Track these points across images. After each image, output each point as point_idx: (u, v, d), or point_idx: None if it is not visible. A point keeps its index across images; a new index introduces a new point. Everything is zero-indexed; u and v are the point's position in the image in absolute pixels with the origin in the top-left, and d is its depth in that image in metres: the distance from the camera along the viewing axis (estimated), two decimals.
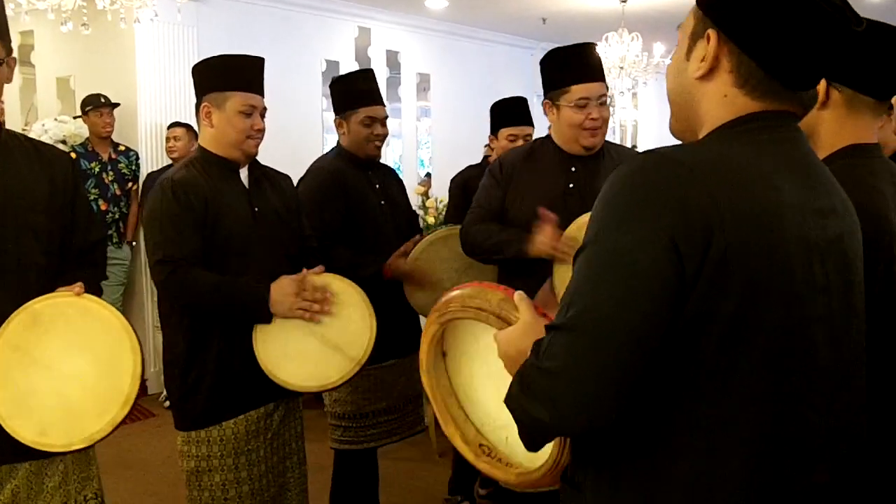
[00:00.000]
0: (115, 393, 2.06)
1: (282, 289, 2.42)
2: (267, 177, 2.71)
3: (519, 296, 1.35)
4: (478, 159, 5.13)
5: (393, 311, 3.01)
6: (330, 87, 3.30)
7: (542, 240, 2.49)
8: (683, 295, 1.05)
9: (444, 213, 5.11)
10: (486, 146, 5.70)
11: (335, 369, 2.50)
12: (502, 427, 1.57)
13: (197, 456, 2.49)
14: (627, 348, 1.06)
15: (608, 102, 2.70)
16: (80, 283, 2.11)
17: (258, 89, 2.58)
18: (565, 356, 1.08)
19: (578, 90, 2.65)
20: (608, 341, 1.06)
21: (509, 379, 1.26)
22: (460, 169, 4.43)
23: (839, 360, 1.19)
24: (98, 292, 2.27)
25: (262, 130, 2.58)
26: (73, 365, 2.06)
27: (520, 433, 1.20)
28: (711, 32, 1.19)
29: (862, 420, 1.28)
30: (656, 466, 1.14)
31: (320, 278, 2.52)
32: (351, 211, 3.05)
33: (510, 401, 1.17)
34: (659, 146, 1.30)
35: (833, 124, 1.62)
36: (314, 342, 2.49)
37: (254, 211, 2.56)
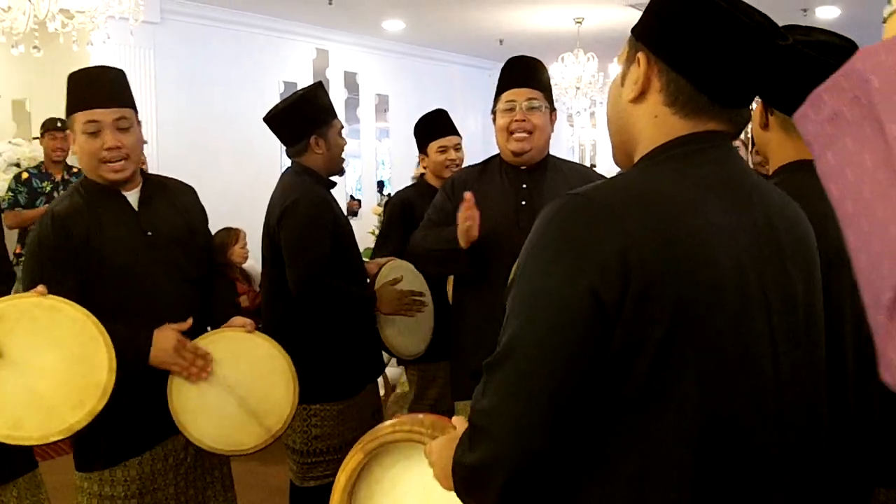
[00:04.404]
0: (92, 385, 2.02)
1: (162, 341, 2.22)
2: (165, 193, 2.45)
3: (458, 417, 1.40)
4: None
5: (359, 339, 2.97)
6: (293, 106, 3.04)
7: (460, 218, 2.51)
8: (606, 330, 1.07)
9: None
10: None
11: (250, 437, 2.35)
12: None
13: (100, 495, 2.30)
14: (554, 383, 1.08)
15: (543, 111, 2.68)
16: (42, 285, 2.06)
17: (106, 101, 2.24)
18: (498, 393, 1.12)
19: (506, 95, 2.69)
20: (535, 376, 1.09)
21: None
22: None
23: (789, 375, 1.20)
24: None
25: (115, 149, 2.23)
26: (43, 360, 2.02)
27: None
28: (641, 55, 1.22)
29: (820, 433, 1.28)
30: (597, 493, 1.15)
31: (248, 337, 2.38)
32: (335, 236, 2.92)
33: (454, 475, 1.19)
34: (616, 168, 1.33)
35: (776, 144, 1.72)
36: (232, 404, 2.34)
37: (145, 235, 2.32)
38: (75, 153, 2.31)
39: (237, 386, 2.34)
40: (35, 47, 4.08)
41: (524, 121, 2.64)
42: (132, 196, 2.35)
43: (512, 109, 2.66)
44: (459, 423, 1.37)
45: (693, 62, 1.18)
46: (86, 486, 2.33)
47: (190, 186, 2.55)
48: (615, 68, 8.54)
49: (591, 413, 1.11)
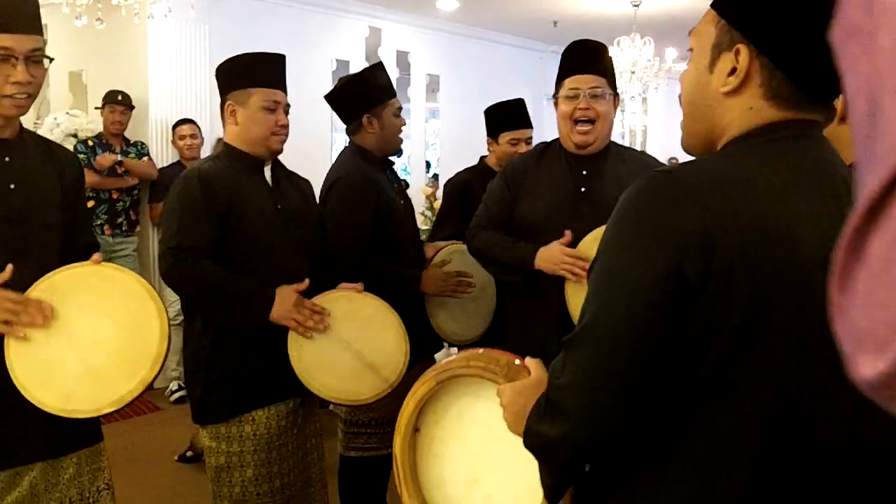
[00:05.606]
0: (143, 354, 2.06)
1: (282, 297, 2.42)
2: (289, 178, 2.72)
3: (531, 359, 1.41)
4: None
5: (411, 317, 3.00)
6: (347, 87, 3.18)
7: (548, 257, 2.50)
8: (688, 310, 1.06)
9: None
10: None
11: (368, 387, 2.52)
12: None
13: (228, 451, 2.49)
14: (631, 365, 1.08)
15: (607, 98, 2.63)
16: (98, 254, 2.13)
17: (281, 85, 2.60)
18: (574, 370, 1.12)
19: (570, 81, 2.63)
20: (610, 354, 1.09)
21: (485, 460, 1.42)
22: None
23: None
24: None
25: (286, 126, 2.59)
26: (96, 330, 2.06)
27: (540, 472, 1.24)
28: (742, 47, 1.16)
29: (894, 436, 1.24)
30: (656, 481, 1.14)
31: (359, 297, 2.55)
32: (380, 214, 2.98)
33: (527, 437, 1.20)
34: (666, 154, 1.30)
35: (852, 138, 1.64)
36: (349, 357, 2.51)
37: (277, 208, 2.57)
38: (236, 124, 2.56)
39: (353, 341, 2.52)
40: (98, 19, 4.13)
41: (588, 109, 2.59)
42: (266, 173, 2.60)
43: (575, 97, 2.60)
44: (534, 366, 1.38)
45: (801, 62, 1.14)
46: (214, 446, 2.51)
47: (307, 180, 2.86)
48: (671, 53, 8.45)
49: (665, 395, 1.11)
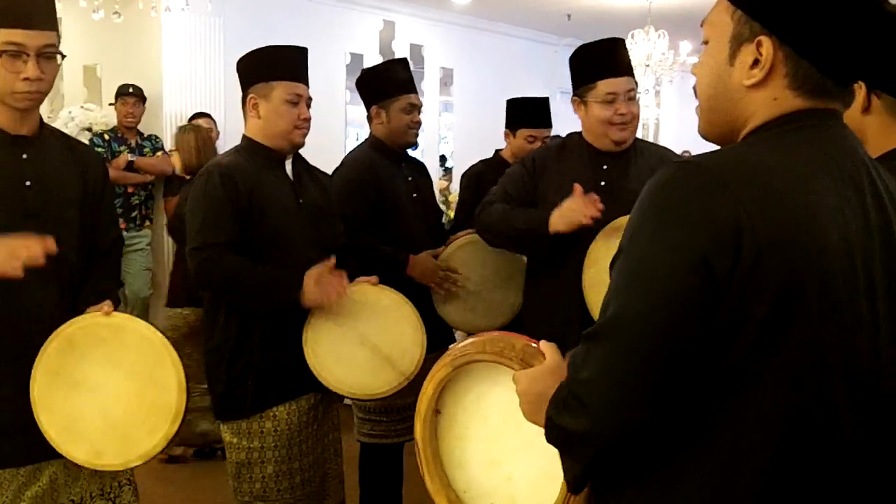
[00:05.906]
0: (163, 408, 2.06)
1: (308, 279, 2.39)
2: (309, 172, 2.73)
3: (546, 343, 1.39)
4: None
5: (424, 307, 2.99)
6: (364, 76, 3.29)
7: (562, 212, 2.48)
8: (715, 302, 1.04)
9: None
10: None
11: (384, 381, 2.52)
12: (485, 495, 1.63)
13: (249, 448, 2.50)
14: (655, 354, 1.07)
15: (637, 98, 2.66)
16: (108, 302, 2.11)
17: (303, 78, 2.60)
18: (597, 363, 1.11)
19: (605, 85, 2.61)
20: (635, 348, 1.07)
21: (505, 441, 1.45)
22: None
23: (890, 365, 1.15)
24: (118, 285, 2.40)
25: (308, 120, 2.59)
26: (115, 385, 2.07)
27: (563, 462, 1.24)
28: (764, 38, 1.14)
29: None
30: (675, 476, 1.13)
31: (374, 290, 2.55)
32: (381, 203, 3.02)
33: (548, 429, 1.19)
34: (680, 147, 1.29)
35: (878, 128, 1.64)
36: (365, 351, 2.51)
37: (298, 203, 2.57)
38: (259, 117, 2.55)
39: (369, 335, 2.52)
40: (115, 13, 4.14)
41: (626, 113, 2.60)
42: (287, 167, 2.59)
43: (613, 101, 2.60)
44: (550, 351, 1.37)
45: (823, 47, 1.13)
46: (235, 442, 2.51)
47: (327, 174, 2.87)
48: (686, 46, 8.39)
49: (688, 389, 1.09)
